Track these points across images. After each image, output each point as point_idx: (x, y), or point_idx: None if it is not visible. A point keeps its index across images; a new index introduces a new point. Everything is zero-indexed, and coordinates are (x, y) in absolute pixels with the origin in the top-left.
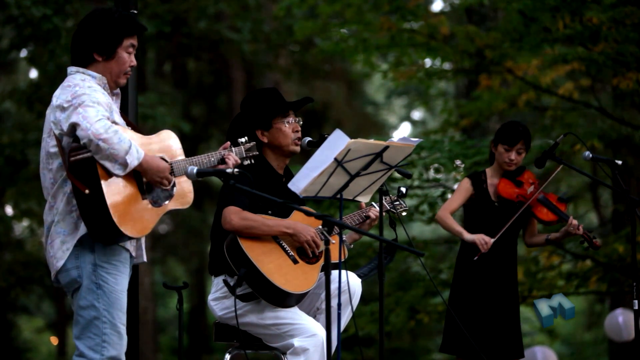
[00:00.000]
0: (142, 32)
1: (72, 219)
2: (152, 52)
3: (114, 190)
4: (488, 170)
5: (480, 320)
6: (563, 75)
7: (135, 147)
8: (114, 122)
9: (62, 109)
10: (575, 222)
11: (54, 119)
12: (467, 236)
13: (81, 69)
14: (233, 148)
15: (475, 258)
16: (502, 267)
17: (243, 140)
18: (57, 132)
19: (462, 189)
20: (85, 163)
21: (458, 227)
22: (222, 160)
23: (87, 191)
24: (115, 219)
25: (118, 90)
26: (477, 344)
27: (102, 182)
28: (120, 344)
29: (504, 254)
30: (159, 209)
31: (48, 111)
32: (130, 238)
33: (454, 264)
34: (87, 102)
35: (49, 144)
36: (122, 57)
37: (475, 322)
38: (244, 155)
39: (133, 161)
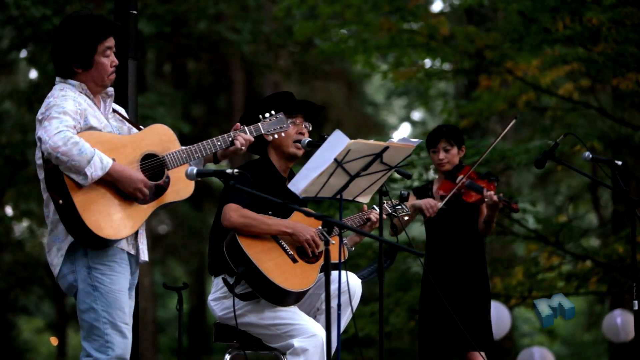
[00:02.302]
0: (116, 30)
1: (63, 226)
2: (152, 53)
3: (86, 197)
4: (435, 180)
5: (450, 317)
6: (563, 75)
7: (100, 157)
8: (90, 128)
9: (39, 121)
10: (489, 192)
11: (36, 132)
12: (415, 203)
13: (63, 79)
14: (246, 127)
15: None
16: (466, 261)
17: (267, 115)
18: (39, 143)
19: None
20: (54, 174)
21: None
22: (232, 143)
23: (60, 202)
24: (90, 226)
25: (112, 92)
26: (451, 342)
27: (71, 191)
28: (124, 343)
29: (465, 249)
30: (149, 205)
31: None
32: (117, 240)
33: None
34: (53, 114)
35: (36, 156)
36: (101, 63)
37: (445, 320)
38: (262, 131)
39: (95, 172)
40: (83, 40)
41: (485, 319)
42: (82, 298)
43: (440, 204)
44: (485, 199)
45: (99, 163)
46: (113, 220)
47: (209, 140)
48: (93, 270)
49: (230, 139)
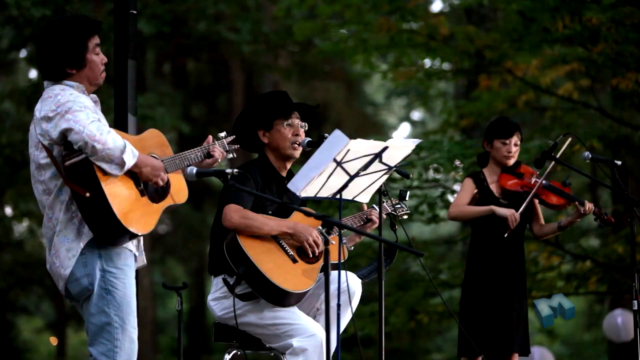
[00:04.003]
0: (100, 28)
1: (74, 226)
2: (152, 53)
3: (115, 190)
4: (485, 171)
5: (493, 318)
6: (562, 75)
7: (130, 146)
8: None
9: (48, 119)
10: (590, 204)
11: (41, 131)
12: (499, 211)
13: (56, 82)
14: (216, 142)
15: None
16: (511, 263)
17: (222, 134)
18: (46, 142)
19: (467, 187)
20: (81, 166)
21: (483, 207)
22: (209, 154)
23: (87, 194)
24: (120, 218)
25: (95, 98)
26: (493, 342)
27: (102, 183)
28: (131, 348)
29: (513, 250)
30: (159, 205)
31: (32, 127)
32: (134, 236)
33: (454, 264)
34: (75, 108)
35: (38, 157)
36: (94, 61)
37: (488, 320)
38: (227, 149)
39: (130, 160)
40: (73, 39)
41: (527, 319)
42: (95, 301)
43: (519, 215)
44: (585, 210)
45: (131, 152)
46: (138, 216)
47: (190, 150)
48: (107, 274)
49: (206, 150)
